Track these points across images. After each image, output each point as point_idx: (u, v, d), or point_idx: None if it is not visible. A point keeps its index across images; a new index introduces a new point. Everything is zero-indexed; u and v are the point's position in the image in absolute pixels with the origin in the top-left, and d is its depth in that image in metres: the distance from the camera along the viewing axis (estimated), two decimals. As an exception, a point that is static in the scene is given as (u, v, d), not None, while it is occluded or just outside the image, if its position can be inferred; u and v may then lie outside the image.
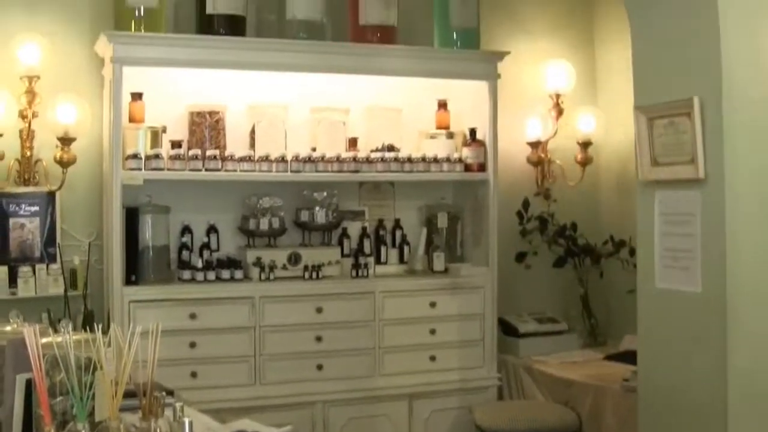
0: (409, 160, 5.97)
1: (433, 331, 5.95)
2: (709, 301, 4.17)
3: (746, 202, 4.12)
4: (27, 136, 5.46)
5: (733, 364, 4.09)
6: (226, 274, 5.60)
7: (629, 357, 5.34)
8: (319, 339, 5.68)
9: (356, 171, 5.85)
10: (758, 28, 4.18)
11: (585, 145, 6.65)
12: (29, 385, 2.80)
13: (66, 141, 5.41)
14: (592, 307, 6.64)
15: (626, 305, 5.55)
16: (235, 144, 5.75)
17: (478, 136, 6.14)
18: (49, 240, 5.55)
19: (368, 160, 5.88)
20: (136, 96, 5.53)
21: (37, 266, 5.46)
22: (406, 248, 6.23)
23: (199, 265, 5.57)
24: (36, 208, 5.54)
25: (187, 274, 5.56)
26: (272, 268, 5.67)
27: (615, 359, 5.97)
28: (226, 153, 5.60)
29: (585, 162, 6.66)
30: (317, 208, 5.91)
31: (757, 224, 4.14)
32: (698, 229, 4.23)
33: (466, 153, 6.14)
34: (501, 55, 6.18)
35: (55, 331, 2.94)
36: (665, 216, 4.43)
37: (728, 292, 4.08)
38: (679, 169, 4.30)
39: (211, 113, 5.71)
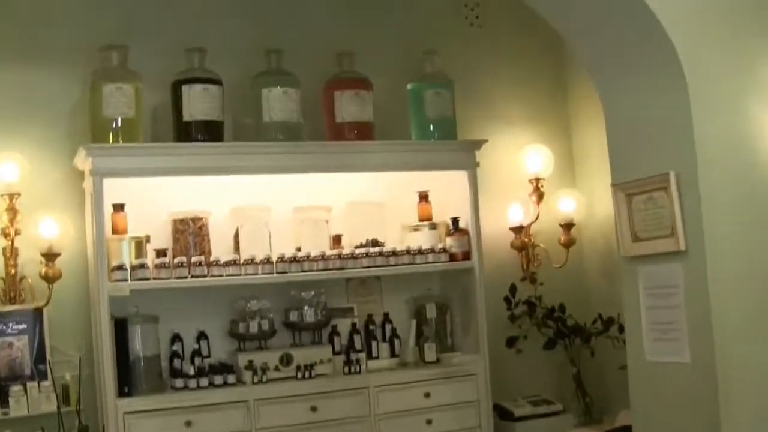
0: (394, 253, 6.01)
1: (429, 422, 5.92)
2: (698, 371, 4.16)
3: (728, 270, 4.14)
4: (11, 254, 5.47)
5: (728, 432, 4.09)
6: (218, 379, 5.58)
7: (626, 433, 5.33)
8: (315, 438, 5.66)
9: (342, 268, 5.88)
10: (728, 99, 4.24)
11: (567, 226, 6.68)
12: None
13: (50, 256, 5.41)
14: (585, 385, 6.61)
15: (619, 381, 5.53)
16: (220, 248, 5.78)
17: (461, 225, 6.18)
18: (39, 357, 5.52)
19: (353, 256, 5.92)
20: (118, 207, 5.56)
21: (29, 384, 5.41)
22: (396, 341, 6.20)
23: (191, 372, 5.54)
24: (24, 325, 5.52)
25: (179, 382, 5.53)
26: (264, 370, 5.65)
27: (612, 436, 5.95)
28: (212, 258, 5.62)
29: (568, 243, 6.68)
30: (306, 308, 5.92)
31: (741, 292, 4.16)
32: (683, 301, 4.24)
33: (450, 243, 6.17)
34: (479, 144, 6.24)
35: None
36: (649, 290, 4.44)
37: (717, 361, 4.08)
38: (660, 242, 4.33)
39: (194, 219, 5.74)
